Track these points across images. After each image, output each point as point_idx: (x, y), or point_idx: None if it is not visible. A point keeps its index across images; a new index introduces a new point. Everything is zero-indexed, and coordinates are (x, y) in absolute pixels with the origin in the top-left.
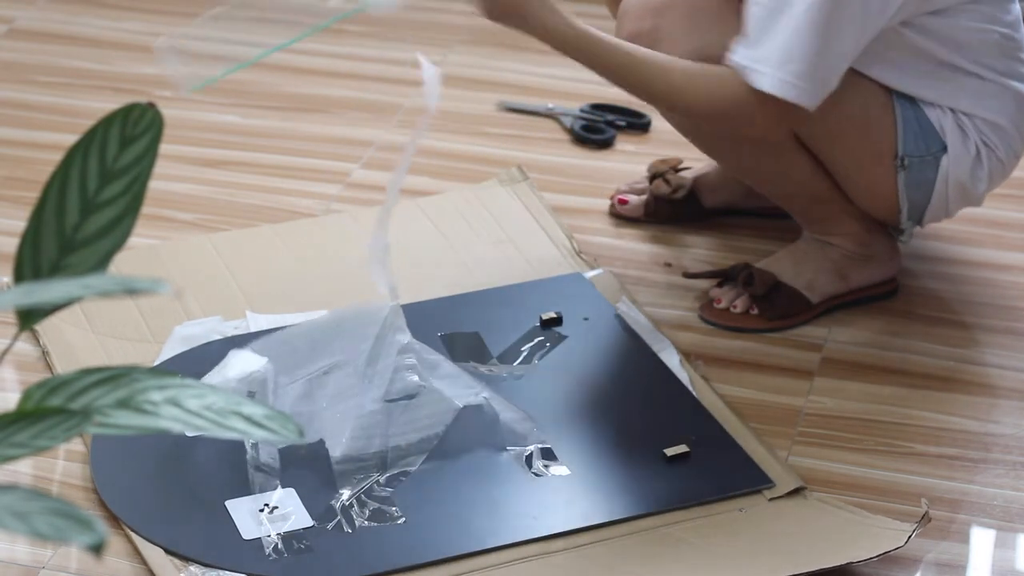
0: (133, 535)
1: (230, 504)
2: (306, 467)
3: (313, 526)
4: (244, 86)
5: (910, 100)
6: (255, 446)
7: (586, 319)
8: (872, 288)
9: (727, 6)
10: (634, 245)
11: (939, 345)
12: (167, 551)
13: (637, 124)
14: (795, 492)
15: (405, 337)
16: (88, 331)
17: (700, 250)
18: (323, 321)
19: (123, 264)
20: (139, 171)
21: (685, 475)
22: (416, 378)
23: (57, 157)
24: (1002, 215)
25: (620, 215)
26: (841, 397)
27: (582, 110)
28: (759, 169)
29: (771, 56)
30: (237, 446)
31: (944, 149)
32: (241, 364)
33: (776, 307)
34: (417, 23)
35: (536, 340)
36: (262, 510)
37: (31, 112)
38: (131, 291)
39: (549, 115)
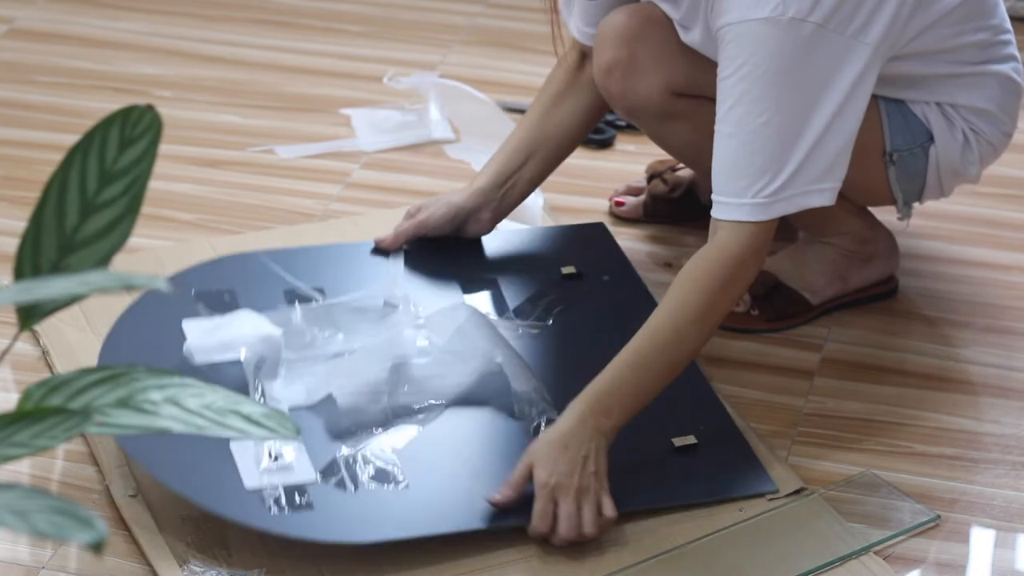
0: (134, 535)
1: (234, 446)
2: (312, 419)
3: (316, 481)
4: (244, 86)
5: (894, 98)
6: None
7: (606, 279)
8: (872, 288)
9: None
10: (634, 245)
11: (939, 345)
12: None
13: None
14: (795, 493)
15: (420, 320)
16: (88, 331)
17: None
18: (343, 307)
19: (123, 265)
20: (138, 173)
21: (689, 472)
22: (427, 343)
23: (57, 157)
24: (1001, 215)
25: (619, 216)
26: (841, 397)
27: None
28: None
29: (810, 174)
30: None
31: (931, 139)
32: (257, 324)
33: (776, 307)
34: (417, 23)
35: (553, 295)
36: (268, 455)
37: (31, 112)
38: (129, 287)
39: None
